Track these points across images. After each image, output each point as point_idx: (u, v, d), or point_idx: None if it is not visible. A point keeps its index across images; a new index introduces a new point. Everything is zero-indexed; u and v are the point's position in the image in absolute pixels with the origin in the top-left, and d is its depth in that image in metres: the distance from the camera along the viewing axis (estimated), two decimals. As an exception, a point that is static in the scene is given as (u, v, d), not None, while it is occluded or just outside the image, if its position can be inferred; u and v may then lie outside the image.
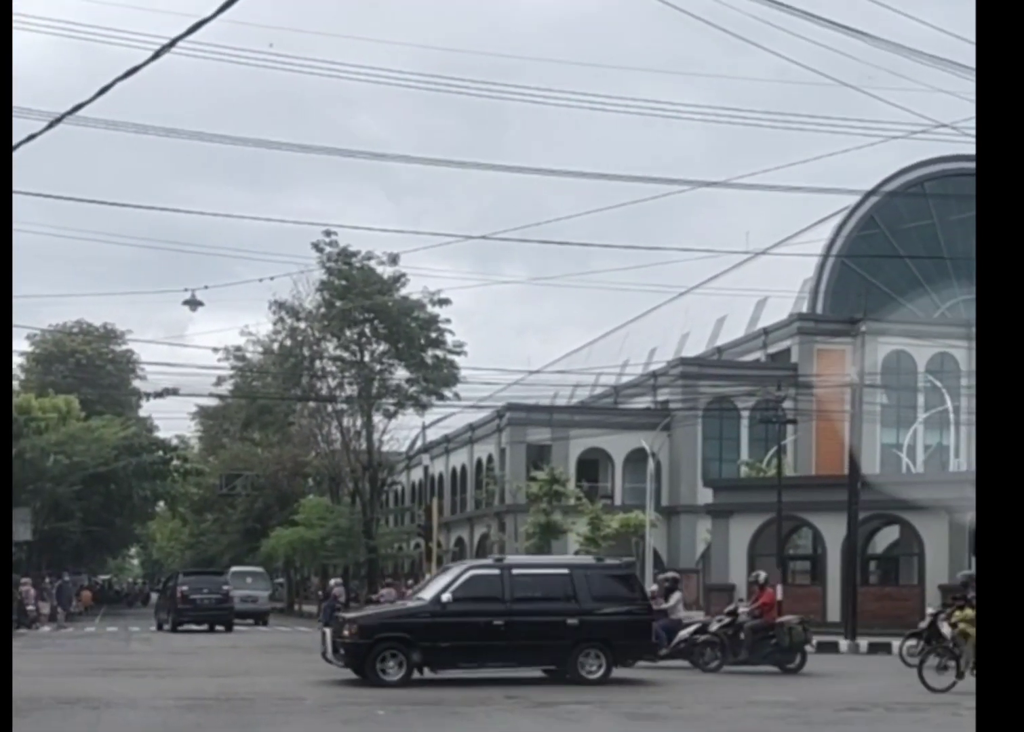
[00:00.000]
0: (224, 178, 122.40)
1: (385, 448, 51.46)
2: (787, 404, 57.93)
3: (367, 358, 49.03)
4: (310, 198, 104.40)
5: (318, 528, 49.76)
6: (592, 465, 57.39)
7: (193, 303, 32.95)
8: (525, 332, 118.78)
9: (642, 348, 73.03)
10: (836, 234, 63.56)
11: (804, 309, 61.71)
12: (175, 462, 59.33)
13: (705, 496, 56.38)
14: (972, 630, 17.10)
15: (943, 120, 20.64)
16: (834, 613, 32.13)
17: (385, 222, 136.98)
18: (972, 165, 62.33)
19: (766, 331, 62.43)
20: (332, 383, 50.10)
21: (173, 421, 65.56)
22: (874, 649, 27.41)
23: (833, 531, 32.13)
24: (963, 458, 54.32)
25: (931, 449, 57.20)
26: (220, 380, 54.99)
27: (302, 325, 50.24)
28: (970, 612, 17.48)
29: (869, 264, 63.78)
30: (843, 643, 28.02)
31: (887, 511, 32.14)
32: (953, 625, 18.11)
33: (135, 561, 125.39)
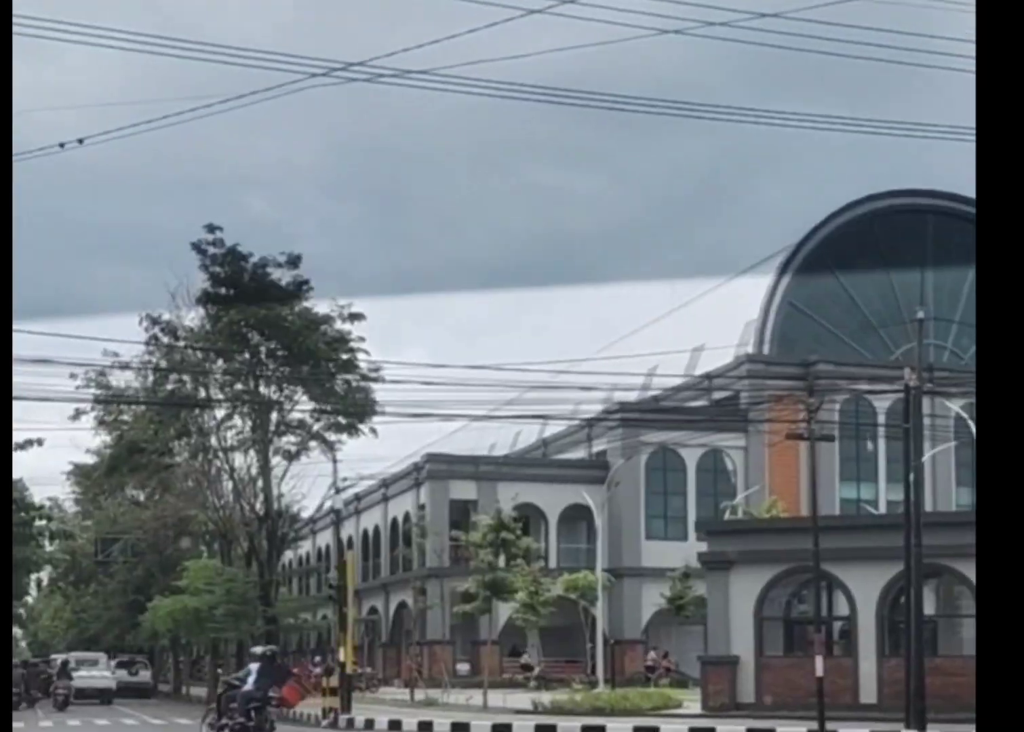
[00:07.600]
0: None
1: (285, 500, 43.47)
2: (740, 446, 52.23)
3: (262, 386, 40.87)
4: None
5: (205, 595, 41.73)
6: (523, 523, 50.33)
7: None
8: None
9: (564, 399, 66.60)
10: (781, 273, 58.29)
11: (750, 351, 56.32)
12: (38, 523, 50.56)
13: (649, 557, 49.86)
14: None
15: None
16: (868, 693, 25.48)
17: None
18: (921, 200, 58.76)
19: (710, 376, 56.52)
20: (219, 415, 41.49)
21: (43, 485, 56.39)
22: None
23: (864, 587, 25.59)
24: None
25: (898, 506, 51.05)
26: (78, 413, 46.32)
27: (181, 344, 41.61)
28: None
29: (817, 306, 59.10)
30: (907, 733, 21.32)
31: (929, 560, 25.60)
32: None
33: (23, 644, 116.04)
